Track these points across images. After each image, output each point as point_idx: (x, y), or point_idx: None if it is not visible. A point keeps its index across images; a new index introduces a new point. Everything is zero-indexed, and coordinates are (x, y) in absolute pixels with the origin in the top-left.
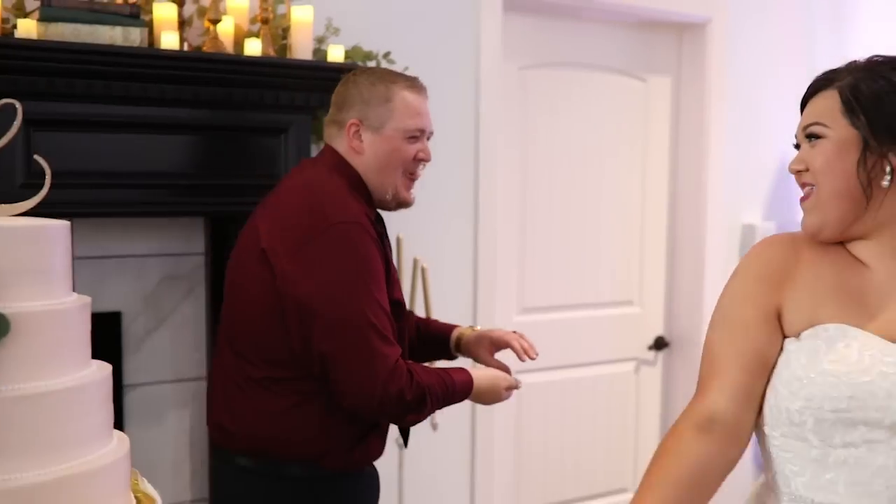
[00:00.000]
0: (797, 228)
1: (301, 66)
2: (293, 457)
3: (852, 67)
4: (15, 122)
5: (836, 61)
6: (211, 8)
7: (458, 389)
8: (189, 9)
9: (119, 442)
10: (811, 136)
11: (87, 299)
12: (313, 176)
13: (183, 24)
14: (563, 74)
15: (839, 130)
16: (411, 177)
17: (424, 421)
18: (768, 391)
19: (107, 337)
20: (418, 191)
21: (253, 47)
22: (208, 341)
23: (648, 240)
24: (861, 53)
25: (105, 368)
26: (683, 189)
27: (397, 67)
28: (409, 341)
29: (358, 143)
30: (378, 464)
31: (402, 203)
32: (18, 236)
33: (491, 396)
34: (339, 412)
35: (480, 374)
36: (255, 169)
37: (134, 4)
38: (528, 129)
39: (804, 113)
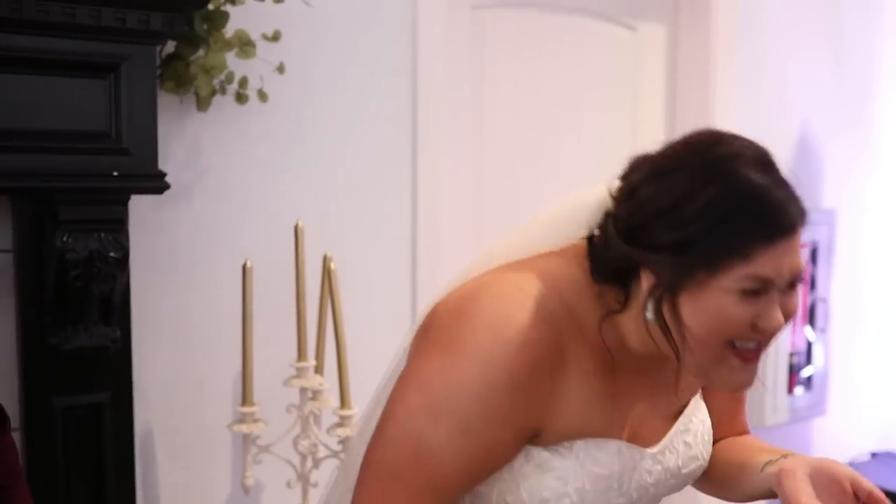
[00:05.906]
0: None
1: None
2: None
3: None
4: None
5: (868, 13)
6: None
7: None
8: None
9: None
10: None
11: None
12: None
13: None
14: (530, 17)
15: None
16: None
17: None
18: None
19: None
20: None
21: None
22: (21, 370)
23: None
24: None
25: None
26: None
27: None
28: None
29: None
30: None
31: None
32: None
33: None
34: None
35: None
36: (69, 125)
37: None
38: (484, 86)
39: (789, 247)
